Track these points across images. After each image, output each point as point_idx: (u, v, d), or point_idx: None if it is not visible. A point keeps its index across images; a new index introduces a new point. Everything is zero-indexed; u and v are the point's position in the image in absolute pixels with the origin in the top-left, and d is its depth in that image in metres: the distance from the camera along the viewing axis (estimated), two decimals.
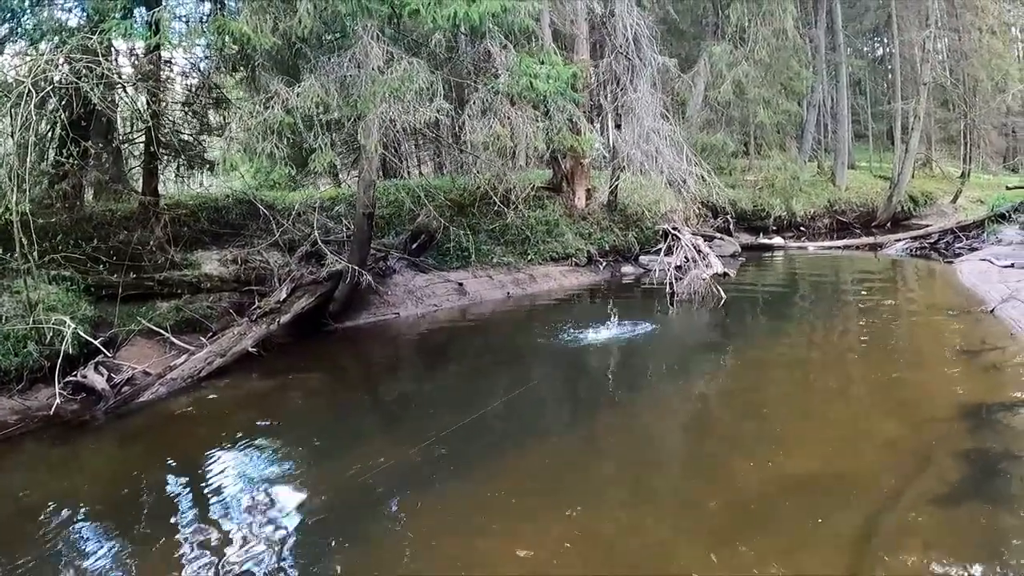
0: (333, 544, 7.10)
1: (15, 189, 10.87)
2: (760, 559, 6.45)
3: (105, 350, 12.08)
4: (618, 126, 20.07)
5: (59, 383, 11.10)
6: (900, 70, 39.67)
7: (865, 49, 50.79)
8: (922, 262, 24.16)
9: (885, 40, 46.74)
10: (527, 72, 13.33)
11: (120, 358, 12.54)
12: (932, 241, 26.63)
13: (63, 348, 11.20)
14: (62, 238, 13.39)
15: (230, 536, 7.27)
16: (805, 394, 11.32)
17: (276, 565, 6.68)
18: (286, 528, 7.46)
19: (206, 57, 16.36)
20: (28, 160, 11.31)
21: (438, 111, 12.69)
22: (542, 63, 14.12)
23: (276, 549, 6.96)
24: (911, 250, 26.20)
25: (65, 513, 7.94)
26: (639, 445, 9.73)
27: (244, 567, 6.66)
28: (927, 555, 6.39)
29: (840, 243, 28.94)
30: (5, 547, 7.17)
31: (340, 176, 23.61)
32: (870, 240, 28.63)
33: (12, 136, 11.32)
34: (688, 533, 7.06)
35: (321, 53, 12.92)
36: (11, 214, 10.82)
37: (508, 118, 13.58)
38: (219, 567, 6.66)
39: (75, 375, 11.63)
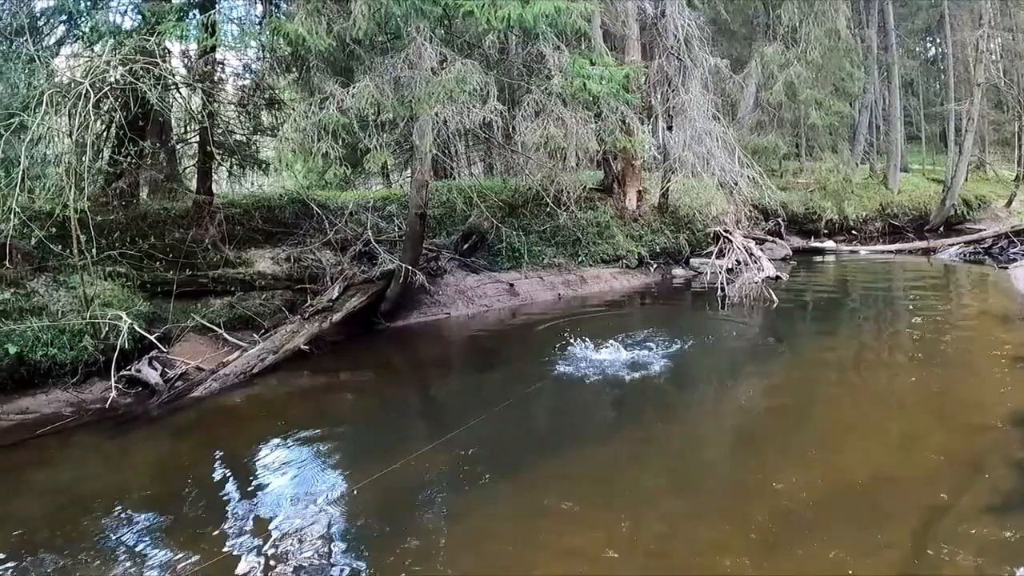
0: (379, 541, 7.15)
1: (73, 187, 11.02)
2: (809, 567, 6.40)
3: (160, 345, 12.23)
4: (669, 127, 19.99)
5: (114, 377, 11.28)
6: (953, 70, 39.10)
7: (918, 49, 50.15)
8: (975, 267, 23.85)
9: (938, 40, 46.11)
10: (580, 73, 13.29)
11: (173, 353, 12.70)
12: (986, 246, 26.33)
13: (119, 343, 11.38)
14: (118, 235, 13.57)
15: (279, 530, 7.37)
16: (856, 400, 11.21)
17: (323, 560, 6.74)
18: (333, 524, 7.52)
19: (259, 58, 16.51)
20: (86, 159, 11.46)
21: (491, 112, 12.70)
22: (594, 64, 14.08)
23: (323, 544, 7.03)
24: (964, 255, 25.88)
25: (117, 505, 8.06)
26: (687, 450, 9.68)
27: (292, 561, 6.75)
28: (979, 565, 6.32)
29: (892, 247, 28.63)
30: (58, 538, 7.31)
31: (391, 176, 23.73)
32: (923, 244, 28.29)
33: (71, 135, 11.49)
34: (736, 540, 7.00)
35: (375, 54, 12.97)
36: (69, 211, 10.97)
37: (561, 119, 13.55)
38: (268, 561, 6.74)
39: (129, 369, 11.83)
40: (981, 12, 33.51)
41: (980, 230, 29.26)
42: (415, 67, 12.25)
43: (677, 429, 10.41)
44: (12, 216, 10.67)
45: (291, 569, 6.59)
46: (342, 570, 6.59)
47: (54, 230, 11.59)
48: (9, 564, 6.76)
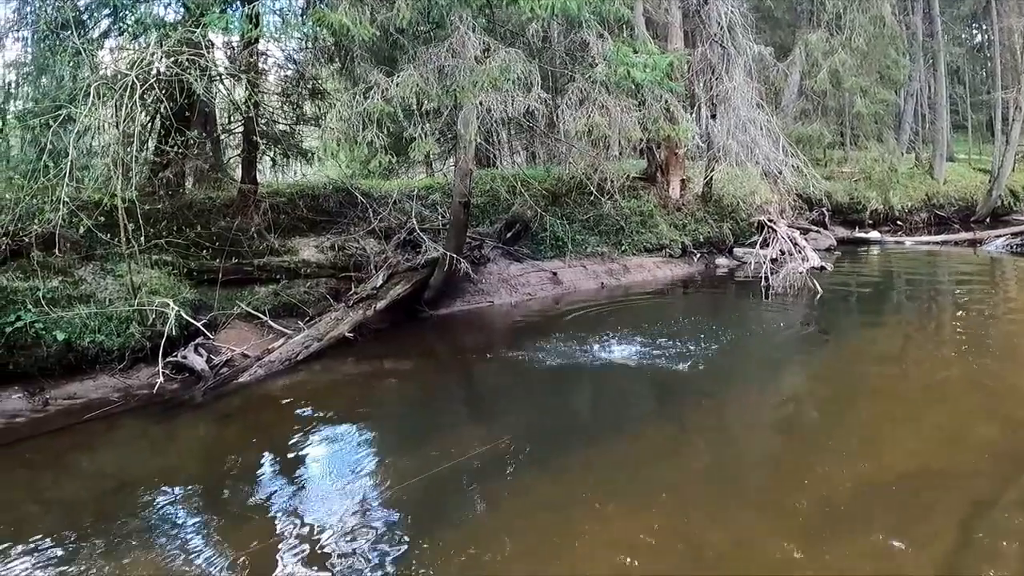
0: (419, 530, 7.17)
1: (120, 177, 11.15)
2: (851, 558, 6.36)
3: (206, 332, 12.36)
4: (713, 116, 19.90)
5: (161, 363, 11.41)
6: (1000, 58, 38.39)
7: (963, 36, 49.40)
8: (1022, 260, 23.51)
9: (984, 26, 45.42)
10: (624, 61, 13.24)
11: (219, 340, 12.88)
12: None
13: (166, 329, 11.54)
14: (164, 224, 13.68)
15: (321, 516, 7.44)
16: (900, 392, 11.12)
17: (363, 548, 6.78)
18: (374, 510, 7.59)
19: (301, 49, 16.60)
20: (132, 149, 11.59)
21: (535, 100, 12.69)
22: (637, 52, 14.04)
23: (363, 532, 7.07)
24: (1011, 247, 25.53)
25: (163, 489, 8.19)
26: (727, 440, 9.68)
27: (334, 546, 6.80)
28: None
29: (938, 238, 28.32)
30: (106, 520, 7.43)
31: (435, 165, 23.78)
32: (969, 236, 27.93)
33: (117, 126, 11.61)
34: (777, 530, 6.97)
35: (418, 43, 13.01)
36: (116, 200, 11.11)
37: (605, 107, 13.51)
38: (311, 546, 6.80)
39: (176, 356, 11.98)
40: None
41: None
42: (458, 56, 12.27)
43: (717, 420, 10.42)
44: (61, 206, 10.84)
45: (332, 556, 6.63)
46: (382, 558, 6.62)
47: (102, 219, 11.72)
48: (57, 546, 6.88)
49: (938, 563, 6.29)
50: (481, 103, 12.31)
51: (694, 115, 19.75)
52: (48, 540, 6.98)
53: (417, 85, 12.09)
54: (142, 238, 11.89)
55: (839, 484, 7.79)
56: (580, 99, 13.77)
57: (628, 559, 6.62)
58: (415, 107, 12.47)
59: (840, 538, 6.71)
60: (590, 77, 13.70)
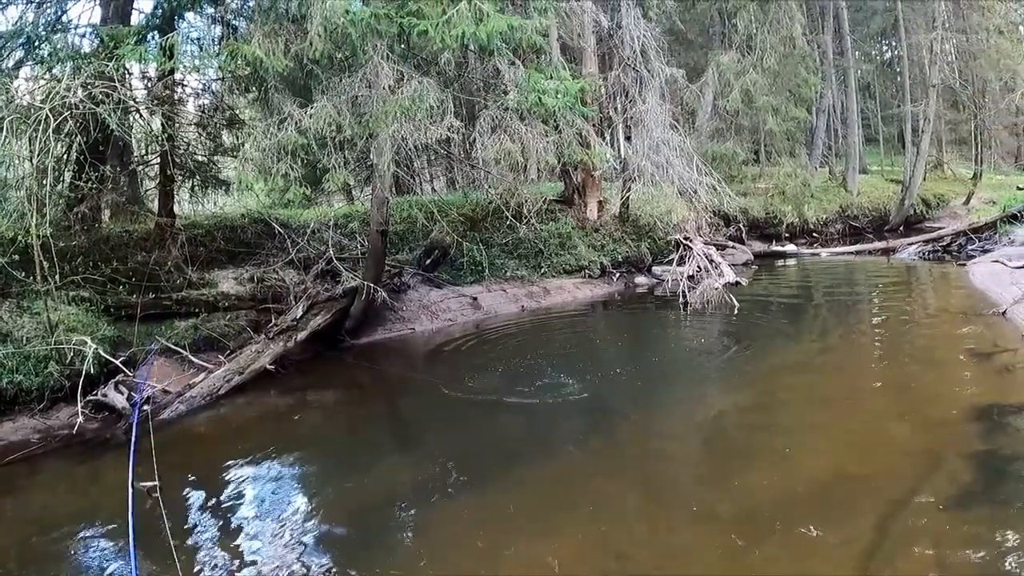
0: (350, 557, 7.26)
1: (35, 212, 11.04)
2: (774, 563, 6.59)
3: (125, 369, 12.22)
4: (628, 138, 20.22)
5: (81, 402, 11.22)
6: (909, 73, 39.37)
7: (873, 53, 50.66)
8: (935, 265, 24.12)
9: (893, 43, 46.52)
10: (536, 88, 13.43)
11: (139, 377, 12.66)
12: (945, 244, 26.60)
13: (84, 368, 11.32)
14: (81, 260, 13.54)
15: (249, 553, 7.46)
16: (818, 399, 11.40)
17: None
18: (303, 543, 7.61)
19: (218, 79, 16.53)
20: (47, 183, 11.48)
21: (449, 128, 12.81)
22: (550, 78, 14.23)
23: (294, 564, 7.11)
24: (924, 253, 26.16)
25: (88, 531, 8.16)
26: (652, 455, 9.83)
27: None
28: (938, 558, 6.52)
29: (853, 248, 28.87)
30: (31, 564, 7.38)
31: (353, 193, 23.73)
32: (883, 245, 28.53)
33: (31, 160, 11.49)
34: (701, 542, 7.17)
35: (332, 74, 13.06)
36: (31, 237, 10.99)
37: (518, 134, 13.68)
38: None
39: (96, 394, 11.79)
40: (935, 15, 34.01)
41: (939, 229, 29.49)
42: (373, 86, 12.37)
43: (640, 435, 10.55)
44: None
45: None
46: None
47: (16, 256, 11.56)
48: None
49: (856, 561, 6.54)
50: (395, 132, 12.39)
51: (609, 137, 20.10)
52: None
53: (331, 116, 12.16)
54: (58, 275, 11.68)
55: (761, 492, 8.03)
56: (493, 126, 13.94)
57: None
58: (329, 138, 12.52)
59: (763, 543, 6.96)
60: (502, 104, 13.88)
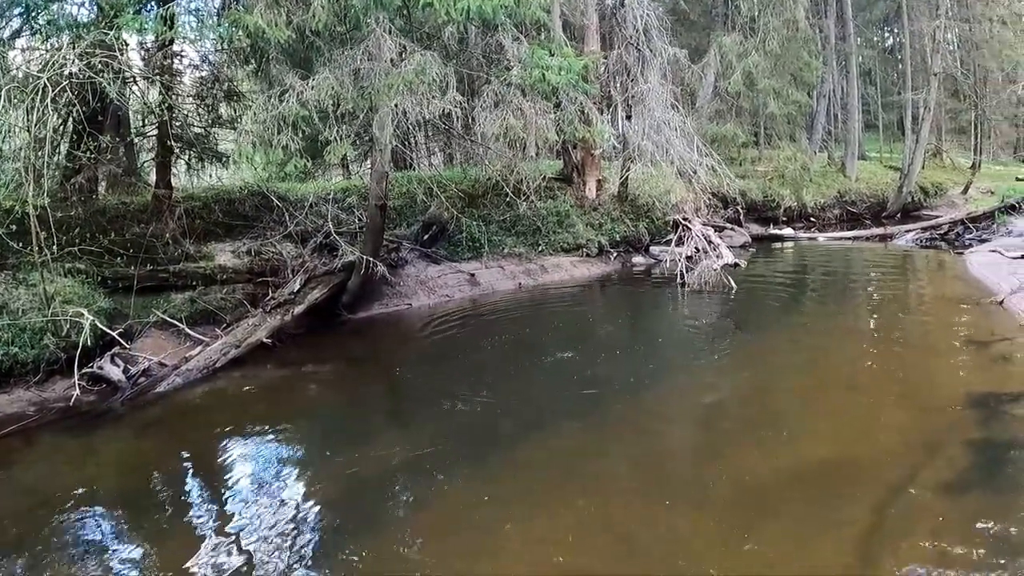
0: (344, 533, 7.26)
1: (32, 182, 10.94)
2: (771, 546, 6.57)
3: (122, 341, 12.17)
4: (628, 117, 20.15)
5: (77, 374, 11.23)
6: (910, 60, 39.30)
7: (875, 39, 50.57)
8: (932, 253, 24.08)
9: (895, 30, 46.56)
10: (539, 64, 13.37)
11: (136, 349, 12.65)
12: (942, 232, 26.59)
13: (81, 340, 11.28)
14: (77, 231, 13.41)
15: (243, 525, 7.44)
16: (814, 384, 11.39)
17: (288, 553, 6.81)
18: (298, 518, 7.59)
19: (217, 50, 16.41)
20: (43, 154, 11.37)
21: (451, 103, 12.75)
22: (553, 55, 14.15)
23: (288, 538, 7.10)
24: (921, 241, 26.13)
25: (84, 503, 8.10)
26: (650, 435, 9.83)
27: (257, 555, 6.80)
28: (935, 541, 6.53)
29: (850, 234, 28.81)
30: (24, 538, 7.31)
31: (352, 167, 23.64)
32: (880, 231, 28.53)
33: (29, 131, 11.37)
34: (699, 522, 7.16)
35: (334, 46, 12.97)
36: (28, 207, 10.89)
37: (520, 110, 13.63)
38: (232, 555, 6.79)
39: (92, 367, 11.79)
40: (938, 2, 33.85)
41: (936, 216, 29.51)
42: (375, 58, 12.29)
43: (639, 415, 10.51)
44: None
45: (256, 563, 6.63)
46: (310, 564, 6.65)
47: (13, 227, 11.46)
48: None
49: (854, 545, 6.54)
50: (397, 106, 12.34)
51: (610, 116, 19.94)
52: None
53: (333, 88, 12.09)
54: (55, 246, 11.56)
55: (758, 474, 8.03)
56: (495, 101, 13.89)
57: (555, 555, 6.73)
58: (331, 110, 12.44)
59: (760, 525, 6.95)
60: (505, 80, 13.82)
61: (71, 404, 10.90)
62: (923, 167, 35.24)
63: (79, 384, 11.17)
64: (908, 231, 27.56)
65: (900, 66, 44.72)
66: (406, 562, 6.69)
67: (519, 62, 13.68)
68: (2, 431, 10.12)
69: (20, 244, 11.62)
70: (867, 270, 21.99)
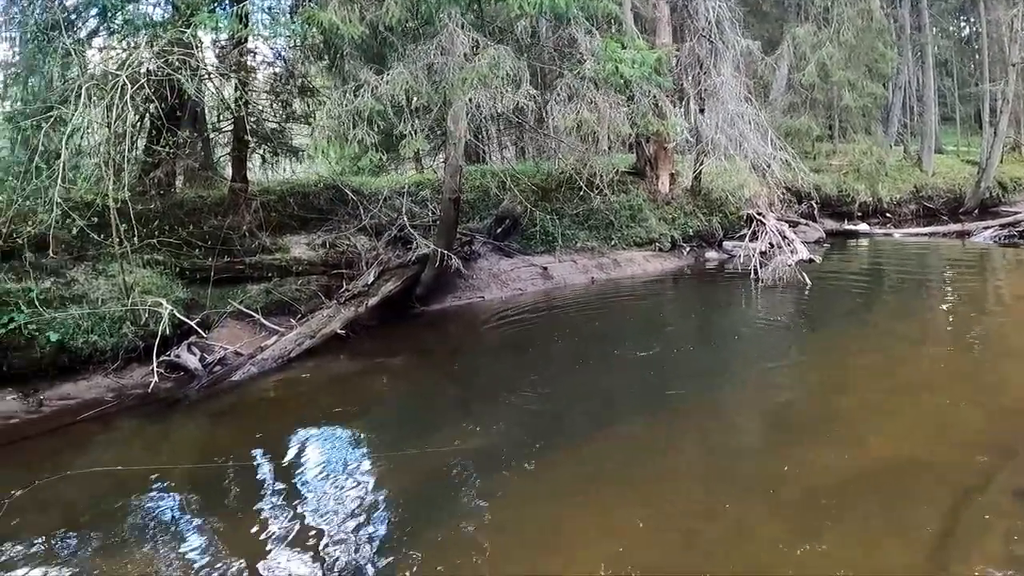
0: (415, 525, 7.29)
1: (112, 177, 11.17)
2: (839, 547, 6.47)
3: (199, 331, 12.40)
4: (701, 110, 19.98)
5: (155, 362, 11.47)
6: (988, 50, 38.44)
7: (951, 29, 49.56)
8: (1011, 251, 23.51)
9: (972, 19, 45.57)
10: (612, 57, 13.33)
11: (212, 339, 12.88)
12: (1021, 229, 25.99)
13: (159, 329, 11.54)
14: (156, 224, 13.64)
15: (314, 514, 7.53)
16: (888, 384, 11.13)
17: (362, 543, 6.87)
18: (366, 507, 7.66)
19: (290, 47, 16.60)
20: (123, 149, 11.61)
21: (524, 96, 12.76)
22: (625, 47, 14.11)
23: (361, 528, 7.16)
24: (999, 238, 25.52)
25: (159, 488, 8.29)
26: (717, 432, 9.77)
27: (327, 544, 6.87)
28: (1008, 547, 6.38)
29: (926, 230, 28.28)
30: (101, 520, 7.47)
31: (425, 161, 23.76)
32: (957, 227, 27.89)
33: (108, 127, 11.61)
34: (767, 520, 7.08)
35: (407, 41, 13.06)
36: (108, 201, 11.12)
37: (594, 103, 13.60)
38: (304, 544, 6.87)
39: (169, 355, 12.05)
40: None
41: (1016, 213, 28.75)
42: (448, 53, 12.35)
43: (707, 412, 10.48)
44: (54, 207, 10.84)
45: (329, 554, 6.69)
46: (380, 555, 6.69)
47: (94, 220, 11.67)
48: (54, 546, 6.96)
49: (925, 551, 6.39)
50: (470, 100, 12.39)
51: (682, 110, 19.82)
52: (46, 539, 7.06)
53: (407, 83, 12.17)
54: (134, 238, 11.78)
55: (827, 474, 7.89)
56: (569, 95, 13.88)
57: (622, 549, 6.69)
58: (405, 104, 12.53)
59: (828, 526, 6.84)
60: (579, 73, 13.80)
61: (148, 391, 11.14)
62: (1001, 161, 34.36)
63: (157, 371, 11.39)
64: (986, 228, 26.90)
65: (977, 56, 43.79)
66: (473, 554, 6.71)
67: (592, 55, 13.66)
68: (81, 416, 10.40)
69: (101, 236, 11.86)
70: (943, 268, 21.59)
